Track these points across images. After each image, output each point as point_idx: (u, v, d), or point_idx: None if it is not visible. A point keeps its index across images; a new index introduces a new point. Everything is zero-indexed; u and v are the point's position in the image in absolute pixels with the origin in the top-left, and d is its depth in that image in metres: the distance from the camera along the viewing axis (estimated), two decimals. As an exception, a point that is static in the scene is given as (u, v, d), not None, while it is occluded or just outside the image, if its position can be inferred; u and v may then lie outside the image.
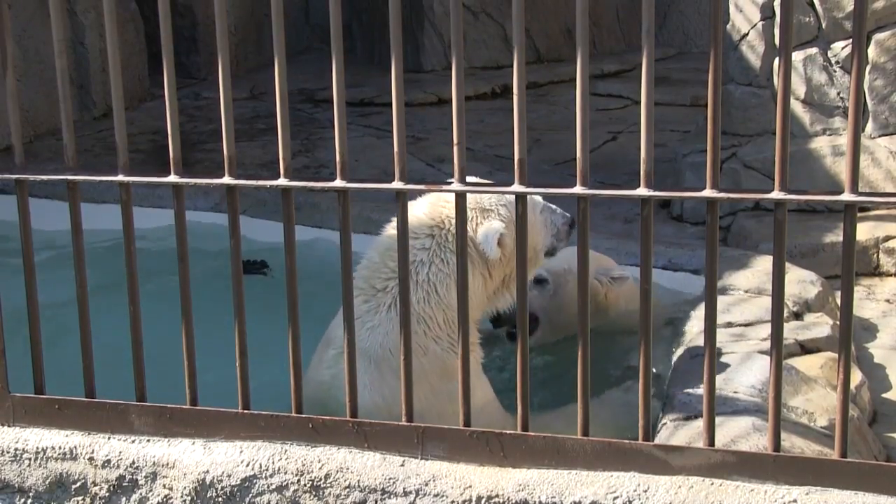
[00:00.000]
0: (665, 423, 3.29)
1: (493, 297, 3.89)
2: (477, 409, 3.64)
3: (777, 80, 2.87)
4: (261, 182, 3.11)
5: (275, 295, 3.32)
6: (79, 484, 3.20)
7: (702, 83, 6.76)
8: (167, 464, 3.14)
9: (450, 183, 2.98)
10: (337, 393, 3.42)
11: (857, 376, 3.97)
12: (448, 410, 3.46)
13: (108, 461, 3.18)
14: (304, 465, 3.06)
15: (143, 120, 9.44)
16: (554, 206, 3.99)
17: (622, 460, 2.90)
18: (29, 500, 3.24)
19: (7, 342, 3.30)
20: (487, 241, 3.71)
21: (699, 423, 2.97)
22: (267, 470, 3.07)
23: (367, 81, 10.61)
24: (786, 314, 4.26)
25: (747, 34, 6.27)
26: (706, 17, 11.31)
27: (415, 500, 2.97)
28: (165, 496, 3.14)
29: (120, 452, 3.18)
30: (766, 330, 3.88)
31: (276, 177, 3.04)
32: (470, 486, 2.95)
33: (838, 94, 6.08)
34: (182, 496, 3.12)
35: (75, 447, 3.21)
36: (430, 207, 3.79)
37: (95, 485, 3.19)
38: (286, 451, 3.09)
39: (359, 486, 3.01)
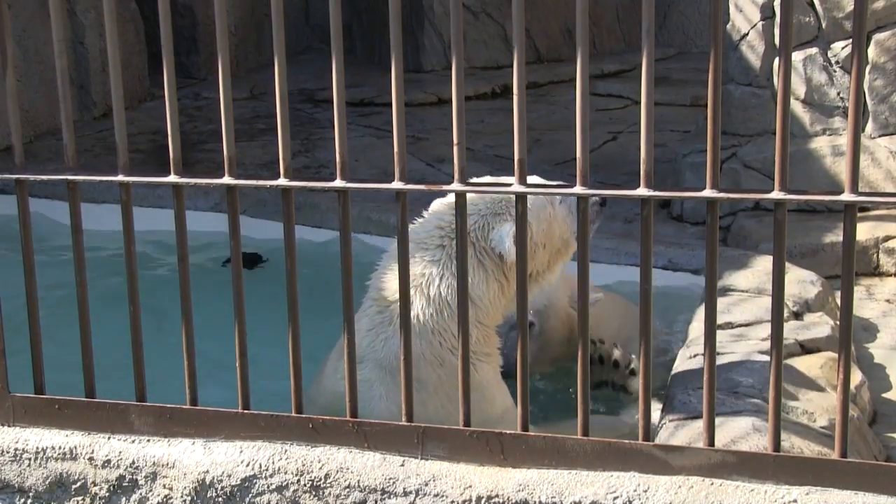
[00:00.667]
0: (665, 424, 3.29)
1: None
2: (497, 417, 3.63)
3: (777, 80, 2.87)
4: (261, 182, 3.11)
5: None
6: (79, 484, 3.20)
7: (702, 83, 6.76)
8: (167, 464, 3.14)
9: (450, 183, 2.98)
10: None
11: (857, 376, 3.97)
12: None
13: (108, 461, 3.18)
14: (304, 465, 3.06)
15: (143, 120, 9.43)
16: None
17: (622, 460, 2.90)
18: (29, 500, 3.24)
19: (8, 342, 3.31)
20: (502, 241, 3.63)
21: (699, 424, 2.97)
22: (267, 470, 3.07)
23: (367, 81, 10.60)
24: (786, 314, 4.26)
25: (747, 34, 6.26)
26: (706, 17, 11.31)
27: (415, 500, 2.98)
28: (165, 496, 3.14)
29: (120, 452, 3.18)
30: (766, 330, 3.88)
31: (276, 177, 3.04)
32: (470, 486, 2.95)
33: (838, 94, 6.08)
34: (182, 496, 3.12)
35: (75, 447, 3.21)
36: (439, 217, 3.73)
37: (95, 485, 3.19)
38: (286, 451, 3.09)
39: (359, 486, 3.01)
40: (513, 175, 2.94)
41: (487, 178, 3.72)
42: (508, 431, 3.00)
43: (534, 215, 3.61)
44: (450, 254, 3.66)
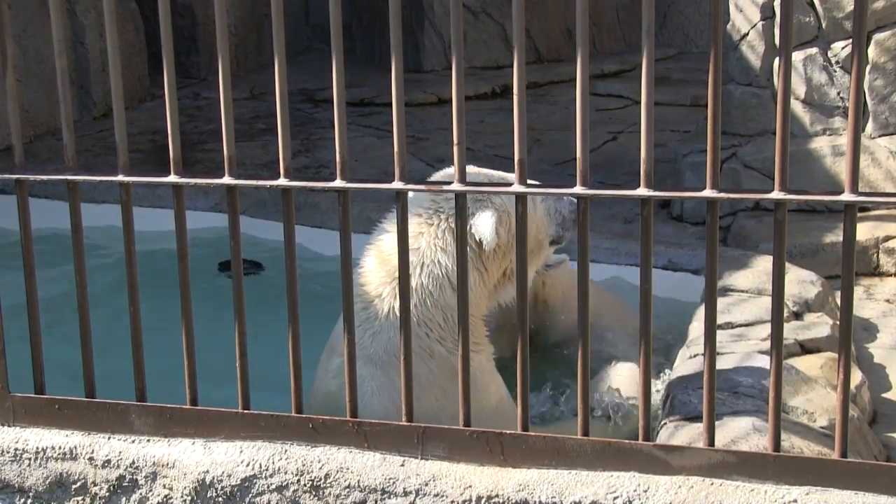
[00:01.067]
0: (665, 424, 3.29)
1: (496, 292, 3.80)
2: (491, 408, 3.62)
3: (777, 80, 2.87)
4: (261, 182, 3.11)
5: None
6: (79, 484, 3.20)
7: (702, 83, 6.76)
8: (167, 464, 3.14)
9: (450, 183, 2.98)
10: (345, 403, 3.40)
11: (857, 376, 3.97)
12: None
13: (108, 461, 3.18)
14: (304, 465, 3.06)
15: (143, 120, 9.43)
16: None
17: (622, 460, 2.90)
18: (29, 500, 3.25)
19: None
20: (482, 227, 3.61)
21: (699, 424, 2.98)
22: (267, 470, 3.07)
23: (367, 81, 10.60)
24: (786, 314, 4.26)
25: (747, 34, 6.26)
26: (706, 17, 11.30)
27: (415, 500, 2.98)
28: (165, 496, 3.14)
29: (120, 452, 3.18)
30: (766, 330, 3.88)
31: (276, 177, 3.04)
32: (470, 486, 2.95)
33: (838, 94, 6.08)
34: (182, 496, 3.12)
35: (75, 447, 3.21)
36: (417, 205, 3.71)
37: (95, 485, 3.19)
38: (286, 451, 3.09)
39: (359, 486, 3.02)
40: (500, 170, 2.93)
41: (473, 168, 3.69)
42: (508, 431, 3.00)
43: (513, 209, 3.60)
44: (430, 241, 3.65)
